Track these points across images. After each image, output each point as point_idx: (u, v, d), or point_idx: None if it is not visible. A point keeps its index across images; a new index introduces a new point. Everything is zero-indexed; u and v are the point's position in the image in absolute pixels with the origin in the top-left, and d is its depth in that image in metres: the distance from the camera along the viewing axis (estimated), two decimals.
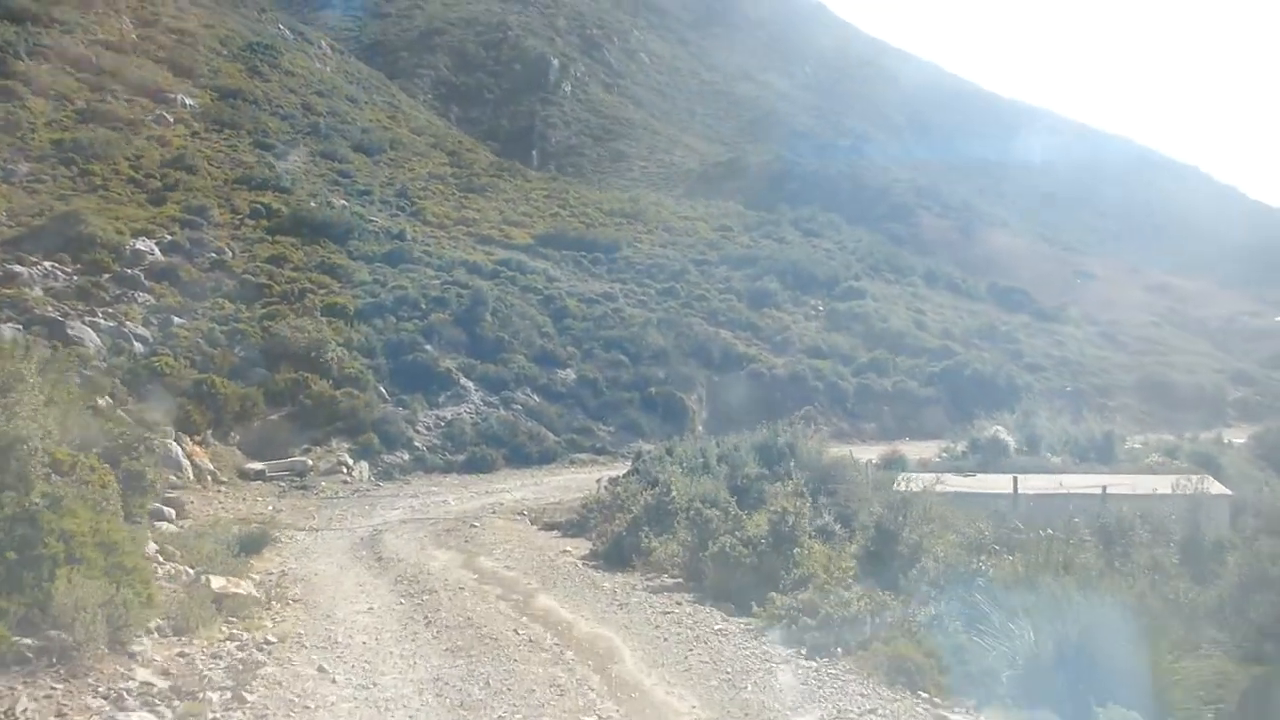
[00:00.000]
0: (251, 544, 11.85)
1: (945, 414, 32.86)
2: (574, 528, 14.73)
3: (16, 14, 49.63)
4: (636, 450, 19.90)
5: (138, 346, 22.37)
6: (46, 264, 25.07)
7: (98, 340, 21.65)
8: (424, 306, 28.94)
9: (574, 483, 21.43)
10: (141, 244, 28.11)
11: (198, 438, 20.22)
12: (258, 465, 20.23)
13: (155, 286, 26.22)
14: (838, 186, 71.78)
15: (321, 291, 28.73)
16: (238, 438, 21.30)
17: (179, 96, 48.80)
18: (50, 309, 22.24)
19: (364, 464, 21.45)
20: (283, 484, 19.70)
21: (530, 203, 49.13)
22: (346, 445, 21.94)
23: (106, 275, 25.91)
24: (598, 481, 17.20)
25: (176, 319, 24.62)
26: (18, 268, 24.03)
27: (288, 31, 71.89)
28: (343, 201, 39.17)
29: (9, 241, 25.90)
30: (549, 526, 15.39)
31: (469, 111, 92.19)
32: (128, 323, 23.10)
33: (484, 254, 37.17)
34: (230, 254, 29.87)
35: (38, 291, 23.72)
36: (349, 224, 35.62)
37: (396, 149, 55.35)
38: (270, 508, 17.47)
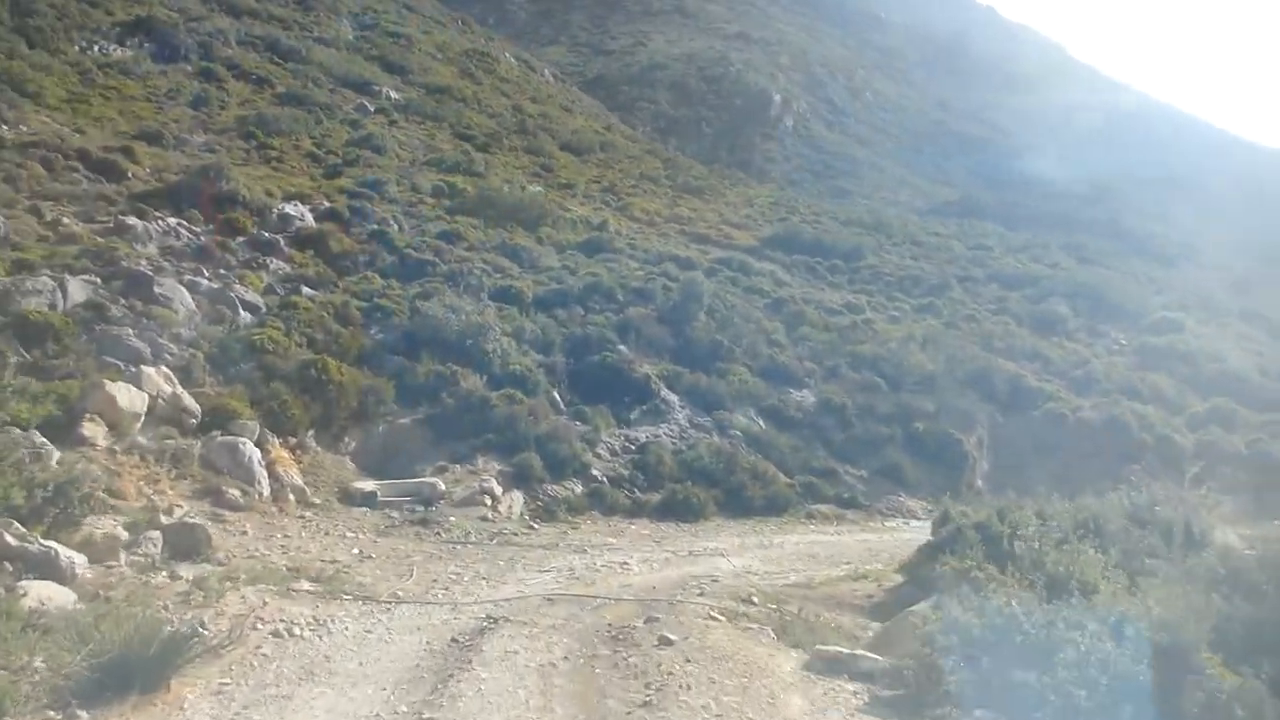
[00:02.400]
0: (165, 655, 5.27)
1: None
2: (887, 677, 7.11)
3: (235, 8, 48.18)
4: (942, 511, 12.31)
5: (244, 316, 16.92)
6: (172, 220, 20.33)
7: (190, 304, 16.30)
8: (620, 298, 22.49)
9: (823, 550, 14.14)
10: (291, 208, 23.18)
11: (292, 439, 14.34)
12: (369, 485, 14.08)
13: (295, 254, 21.05)
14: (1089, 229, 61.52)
15: (496, 275, 22.84)
16: (352, 444, 15.31)
17: (384, 89, 45.53)
18: (144, 264, 17.17)
19: (517, 495, 14.95)
20: (397, 514, 13.44)
21: (753, 206, 42.39)
22: (497, 466, 15.54)
23: (241, 238, 20.98)
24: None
25: (307, 289, 19.20)
26: (133, 220, 19.31)
27: (512, 59, 68.86)
28: (538, 188, 33.66)
29: (139, 194, 21.46)
30: (825, 660, 7.74)
31: (687, 145, 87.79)
32: (238, 286, 17.76)
33: (699, 252, 30.58)
34: (396, 226, 24.57)
35: (151, 248, 18.89)
36: (542, 209, 29.92)
37: (607, 150, 50.15)
38: (355, 551, 11.13)
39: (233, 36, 43.90)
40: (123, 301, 15.57)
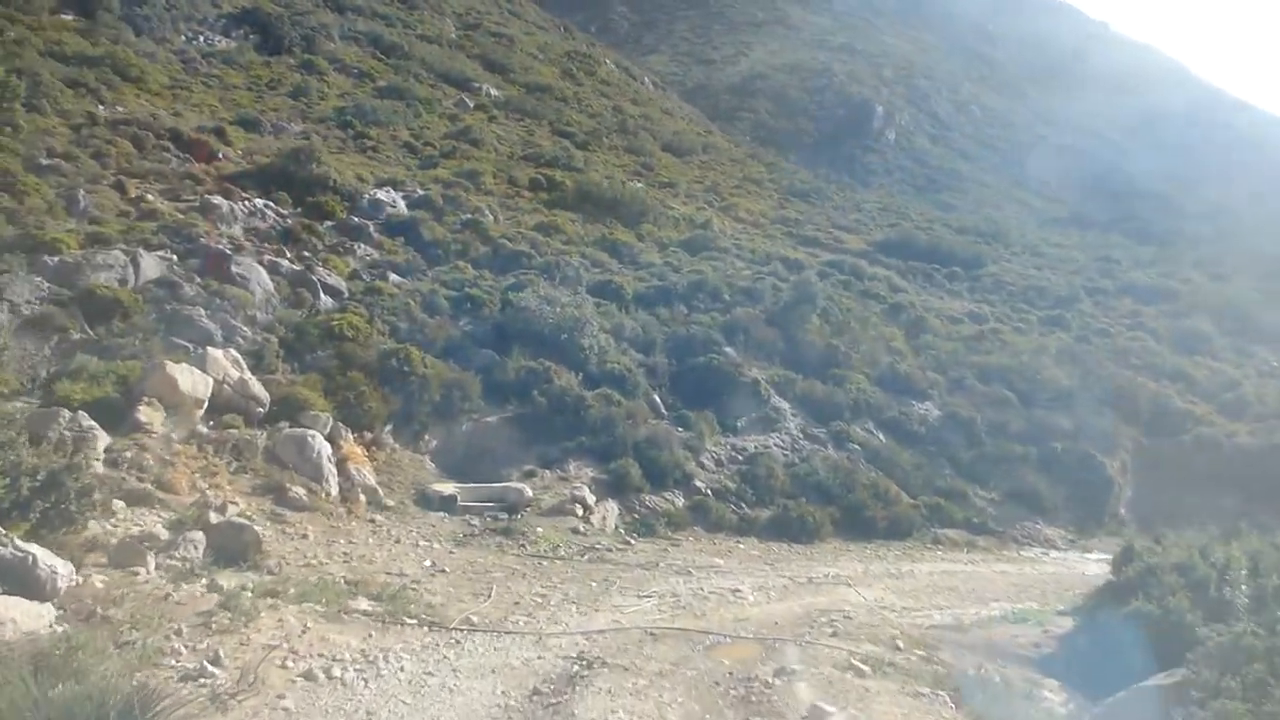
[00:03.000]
0: None
1: None
2: None
3: (341, 4, 48.21)
4: (1125, 546, 10.30)
5: (325, 301, 15.75)
6: (259, 201, 19.43)
7: (269, 285, 15.19)
8: (727, 297, 20.80)
9: (961, 582, 12.20)
10: (383, 194, 22.15)
11: (368, 435, 13.02)
12: (449, 488, 12.65)
13: (385, 241, 19.95)
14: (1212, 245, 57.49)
15: (595, 270, 21.40)
16: (432, 443, 13.92)
17: (485, 87, 44.84)
18: (224, 243, 16.16)
19: (612, 505, 13.38)
20: (478, 522, 11.97)
21: (862, 211, 40.25)
22: (590, 473, 14.01)
23: (329, 222, 19.98)
24: None
25: (395, 275, 18.01)
26: (218, 199, 18.42)
27: (613, 65, 67.84)
28: (639, 184, 32.21)
29: (228, 175, 20.65)
30: None
31: (787, 155, 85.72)
32: (321, 269, 16.62)
33: (808, 255, 28.71)
34: (492, 217, 23.35)
35: (236, 228, 17.96)
36: (644, 205, 28.45)
37: (709, 153, 48.52)
38: (427, 563, 9.66)
39: (336, 31, 43.74)
40: (197, 280, 14.54)
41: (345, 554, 9.32)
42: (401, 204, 22.25)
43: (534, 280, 18.55)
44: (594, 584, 9.70)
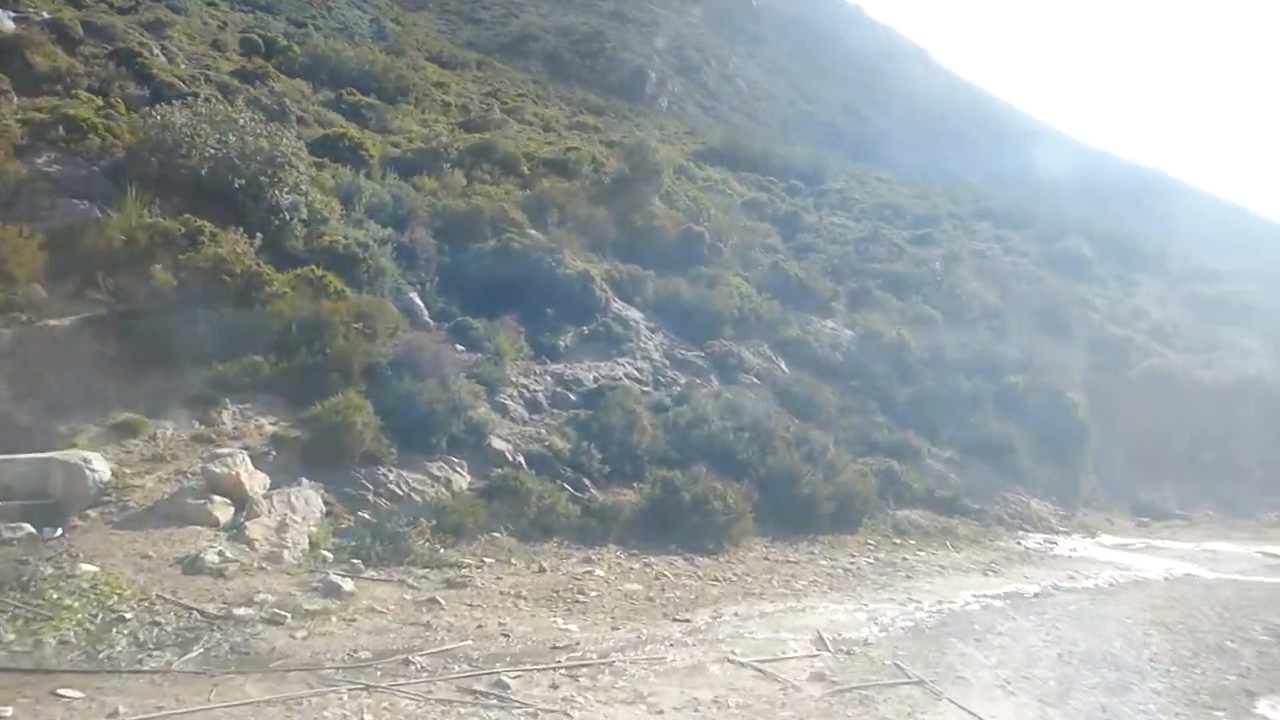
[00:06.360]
0: None
1: None
2: None
3: None
4: None
5: None
6: None
7: None
8: (527, 170, 13.55)
9: (1082, 632, 5.73)
10: None
11: None
12: None
13: None
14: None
15: (323, 128, 13.61)
16: None
17: None
18: None
19: (308, 495, 5.94)
20: None
21: (664, 131, 33.96)
22: (268, 424, 6.52)
23: None
24: None
25: None
26: None
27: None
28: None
29: None
30: None
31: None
32: None
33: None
34: (163, 58, 14.98)
35: None
36: (405, 82, 20.69)
37: (485, 69, 40.81)
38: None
39: None
40: None
41: None
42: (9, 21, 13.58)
43: (200, 103, 10.59)
44: None
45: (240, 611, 4.42)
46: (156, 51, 15.79)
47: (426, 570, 5.67)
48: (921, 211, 25.58)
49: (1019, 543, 9.81)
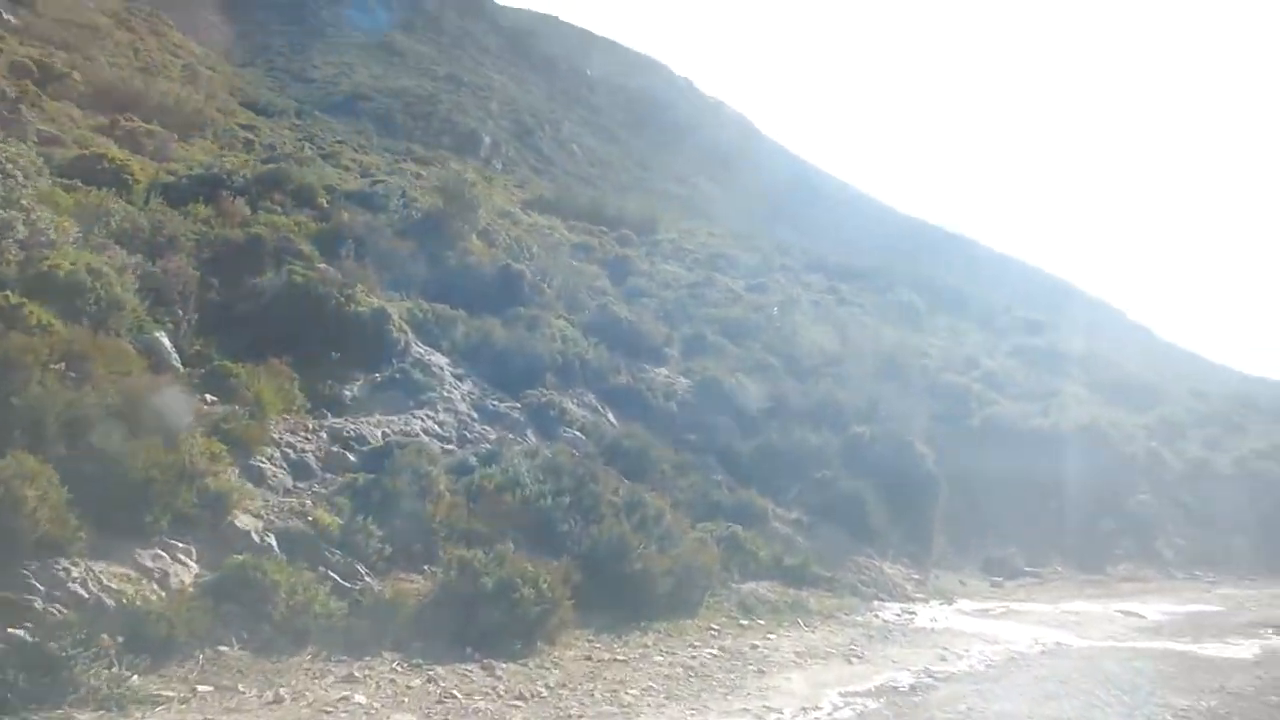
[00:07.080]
0: None
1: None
2: None
3: None
4: None
5: None
6: None
7: None
8: (325, 203, 11.87)
9: None
10: None
11: None
12: None
13: None
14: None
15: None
16: None
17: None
18: None
19: None
20: None
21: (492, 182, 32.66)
22: None
23: None
24: None
25: None
26: None
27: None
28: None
29: None
30: None
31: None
32: None
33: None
34: None
35: None
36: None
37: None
38: None
39: None
40: None
41: None
42: None
43: None
44: None
45: None
46: None
47: (99, 714, 3.95)
48: (754, 263, 25.08)
49: (876, 615, 8.73)
